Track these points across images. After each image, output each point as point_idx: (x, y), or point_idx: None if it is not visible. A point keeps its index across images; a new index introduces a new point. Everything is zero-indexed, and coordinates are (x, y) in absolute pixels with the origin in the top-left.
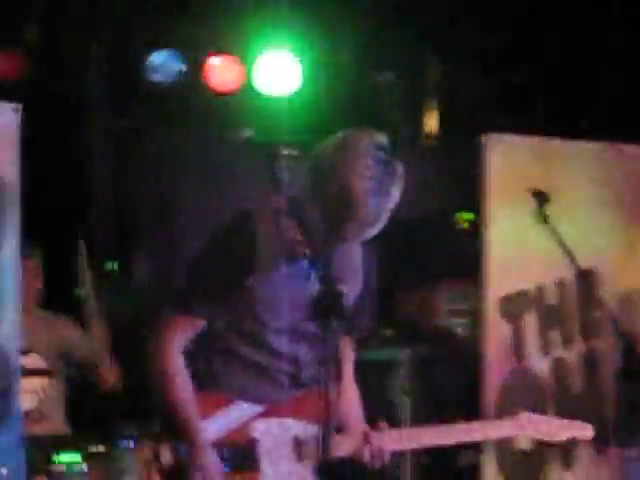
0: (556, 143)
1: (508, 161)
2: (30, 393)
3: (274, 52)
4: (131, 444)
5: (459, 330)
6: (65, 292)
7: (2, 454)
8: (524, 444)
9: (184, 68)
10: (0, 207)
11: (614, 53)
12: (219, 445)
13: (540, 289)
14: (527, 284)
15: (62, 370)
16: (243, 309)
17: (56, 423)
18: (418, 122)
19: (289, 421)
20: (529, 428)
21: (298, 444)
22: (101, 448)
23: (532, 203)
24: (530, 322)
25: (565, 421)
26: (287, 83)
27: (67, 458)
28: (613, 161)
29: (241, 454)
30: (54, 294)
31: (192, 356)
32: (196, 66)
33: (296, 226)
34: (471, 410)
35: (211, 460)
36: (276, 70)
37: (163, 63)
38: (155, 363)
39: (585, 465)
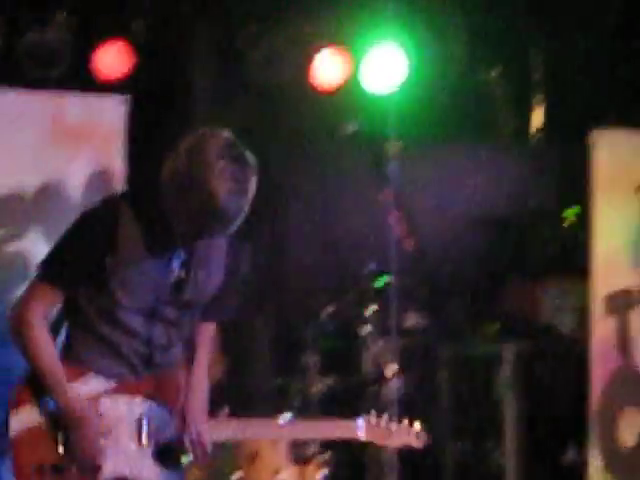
0: None
1: (615, 156)
2: None
3: (382, 46)
4: None
5: (564, 326)
6: None
7: None
8: (630, 442)
9: (289, 64)
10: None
11: None
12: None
13: None
14: (633, 280)
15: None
16: (102, 287)
17: None
18: (525, 117)
19: (137, 400)
20: (368, 432)
21: (140, 425)
22: None
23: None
24: (635, 319)
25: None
26: (394, 77)
27: None
28: None
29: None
30: None
31: (54, 327)
32: (302, 62)
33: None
34: (577, 406)
35: (90, 412)
36: (383, 65)
37: (269, 59)
38: (19, 327)
39: None
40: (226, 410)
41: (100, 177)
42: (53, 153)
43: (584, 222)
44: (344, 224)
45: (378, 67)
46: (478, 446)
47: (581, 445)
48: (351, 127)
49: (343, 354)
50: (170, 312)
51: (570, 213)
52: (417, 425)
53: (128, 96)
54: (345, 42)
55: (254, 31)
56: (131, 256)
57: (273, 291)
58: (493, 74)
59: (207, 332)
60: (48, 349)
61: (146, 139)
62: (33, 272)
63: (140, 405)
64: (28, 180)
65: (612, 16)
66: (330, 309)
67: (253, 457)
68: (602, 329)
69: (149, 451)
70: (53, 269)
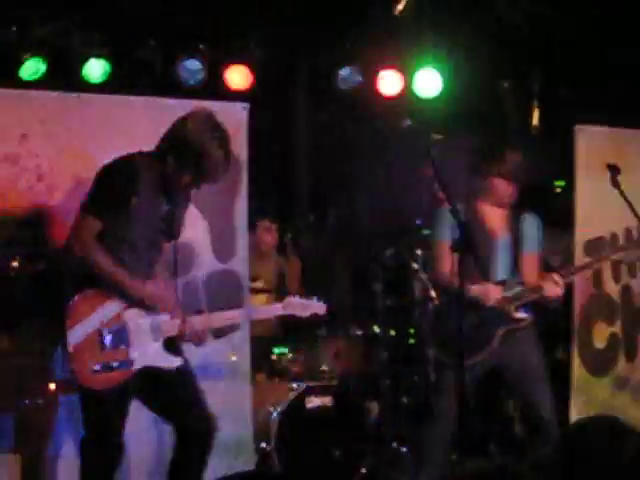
0: (627, 131)
1: (592, 144)
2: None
3: (426, 66)
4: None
5: (556, 263)
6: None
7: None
8: (600, 345)
9: (362, 79)
10: (235, 175)
11: None
12: (100, 332)
13: (613, 235)
14: (603, 232)
15: (276, 289)
16: (126, 218)
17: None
18: (527, 117)
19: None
20: (289, 308)
21: (153, 327)
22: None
23: (607, 174)
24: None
25: (307, 301)
26: (434, 89)
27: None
28: None
29: (117, 336)
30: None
31: None
32: (371, 77)
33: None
34: (564, 320)
35: (167, 293)
36: (428, 79)
37: (348, 75)
38: (82, 253)
39: None
40: None
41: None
42: None
43: (568, 191)
44: (400, 192)
45: (425, 81)
46: None
47: (566, 347)
48: (407, 122)
49: (400, 283)
50: (160, 237)
51: (559, 184)
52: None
53: (247, 104)
54: (399, 64)
55: (339, 58)
56: (147, 198)
57: (351, 238)
58: (505, 85)
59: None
60: (108, 259)
61: (263, 134)
62: None
63: (148, 315)
64: None
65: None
66: (390, 251)
67: (336, 354)
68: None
69: (160, 345)
70: (95, 204)
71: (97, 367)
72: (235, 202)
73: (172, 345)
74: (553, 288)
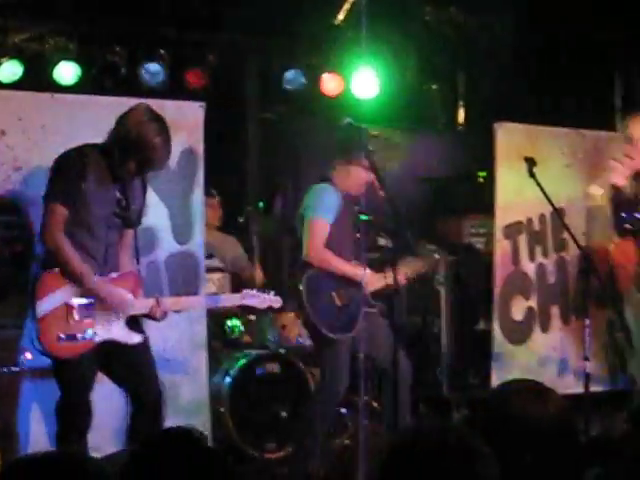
0: (541, 128)
1: (510, 139)
2: (211, 282)
3: (363, 68)
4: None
5: (478, 246)
6: (234, 220)
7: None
8: (517, 317)
9: (306, 80)
10: (193, 166)
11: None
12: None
13: (529, 220)
14: (521, 217)
15: (228, 269)
16: (81, 204)
17: None
18: (453, 115)
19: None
20: (247, 299)
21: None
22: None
23: (524, 166)
24: (522, 241)
25: (264, 295)
26: (371, 90)
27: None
28: (577, 141)
29: (84, 309)
30: (228, 221)
31: None
32: (314, 79)
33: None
34: (486, 295)
35: (111, 289)
36: (364, 81)
37: (294, 77)
38: (50, 244)
39: (557, 329)
40: None
41: (188, 153)
42: None
43: (490, 181)
44: None
45: (362, 83)
46: (425, 321)
47: (488, 318)
48: (346, 120)
49: None
50: (116, 222)
51: (482, 175)
52: (273, 293)
53: (204, 103)
54: (339, 66)
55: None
56: (96, 183)
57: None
58: (434, 87)
59: (130, 235)
60: (74, 254)
61: (217, 130)
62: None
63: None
64: None
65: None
66: None
67: (283, 326)
68: (502, 247)
69: (123, 321)
70: (56, 192)
71: (62, 336)
72: (194, 190)
73: (134, 322)
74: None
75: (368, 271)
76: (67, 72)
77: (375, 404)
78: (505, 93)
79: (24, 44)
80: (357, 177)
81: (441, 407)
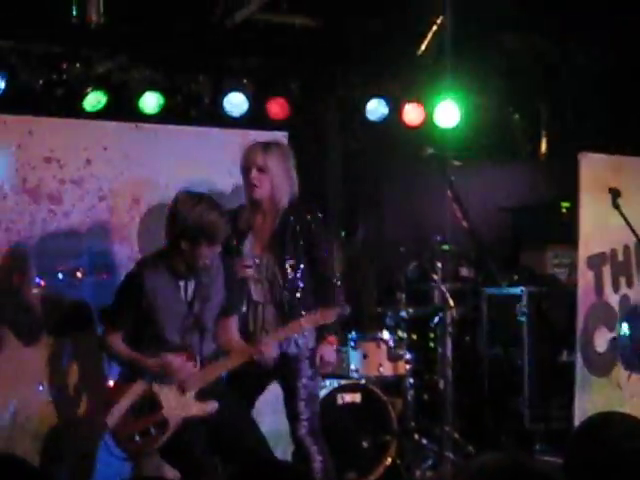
0: (625, 158)
1: (594, 169)
2: None
3: (444, 98)
4: None
5: (561, 276)
6: None
7: None
8: (600, 347)
9: (388, 110)
10: None
11: None
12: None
13: (613, 251)
14: (604, 248)
15: None
16: (146, 323)
17: None
18: (535, 144)
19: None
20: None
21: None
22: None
23: (608, 196)
24: (606, 272)
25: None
26: (453, 119)
27: None
28: None
29: (149, 400)
30: None
31: None
32: (396, 109)
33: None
34: (568, 326)
35: (179, 362)
36: (446, 111)
37: (376, 107)
38: (106, 350)
39: None
40: None
41: None
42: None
43: (573, 211)
44: (422, 212)
45: (445, 112)
46: (507, 352)
47: (571, 350)
48: (429, 150)
49: (421, 293)
50: (189, 321)
51: (565, 205)
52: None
53: (287, 132)
54: (421, 97)
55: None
56: (157, 299)
57: (378, 253)
58: (516, 116)
59: (232, 323)
60: (125, 349)
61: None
62: None
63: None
64: (225, 184)
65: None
66: (413, 264)
67: (365, 355)
68: (585, 278)
69: (191, 396)
70: (109, 320)
71: (137, 438)
72: None
73: (202, 393)
74: None
75: None
76: (151, 101)
77: (457, 435)
78: (588, 122)
79: (108, 74)
80: None
81: (523, 439)
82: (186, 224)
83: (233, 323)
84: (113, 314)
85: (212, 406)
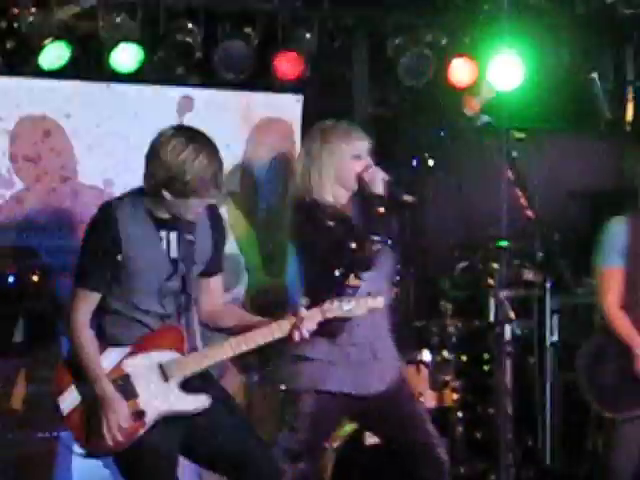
0: None
1: None
2: None
3: (503, 52)
4: None
5: None
6: None
7: None
8: None
9: (430, 67)
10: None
11: None
12: None
13: None
14: None
15: None
16: (120, 281)
17: None
18: (620, 111)
19: (152, 353)
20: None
21: (162, 368)
22: None
23: None
24: None
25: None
26: (514, 79)
27: None
28: None
29: (122, 387)
30: None
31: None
32: (441, 65)
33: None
34: None
35: (112, 392)
36: (504, 68)
37: (414, 62)
38: (70, 327)
39: None
40: None
41: (280, 160)
42: (242, 140)
43: None
44: (473, 199)
45: (502, 70)
46: None
47: None
48: (483, 119)
49: (473, 301)
50: (173, 284)
51: None
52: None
53: (301, 95)
54: (473, 51)
55: (402, 42)
56: (133, 249)
57: (418, 252)
58: (593, 75)
59: (215, 284)
60: (91, 346)
61: None
62: None
63: (156, 355)
64: None
65: None
66: (461, 266)
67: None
68: None
69: (174, 386)
70: (83, 277)
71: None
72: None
73: (188, 383)
74: None
75: None
76: (127, 56)
77: None
78: None
79: (73, 22)
80: None
81: None
82: (170, 175)
83: (218, 284)
84: (84, 275)
85: (201, 401)
